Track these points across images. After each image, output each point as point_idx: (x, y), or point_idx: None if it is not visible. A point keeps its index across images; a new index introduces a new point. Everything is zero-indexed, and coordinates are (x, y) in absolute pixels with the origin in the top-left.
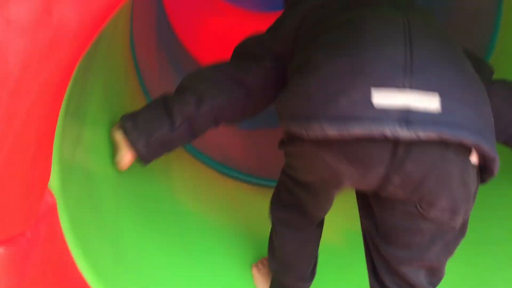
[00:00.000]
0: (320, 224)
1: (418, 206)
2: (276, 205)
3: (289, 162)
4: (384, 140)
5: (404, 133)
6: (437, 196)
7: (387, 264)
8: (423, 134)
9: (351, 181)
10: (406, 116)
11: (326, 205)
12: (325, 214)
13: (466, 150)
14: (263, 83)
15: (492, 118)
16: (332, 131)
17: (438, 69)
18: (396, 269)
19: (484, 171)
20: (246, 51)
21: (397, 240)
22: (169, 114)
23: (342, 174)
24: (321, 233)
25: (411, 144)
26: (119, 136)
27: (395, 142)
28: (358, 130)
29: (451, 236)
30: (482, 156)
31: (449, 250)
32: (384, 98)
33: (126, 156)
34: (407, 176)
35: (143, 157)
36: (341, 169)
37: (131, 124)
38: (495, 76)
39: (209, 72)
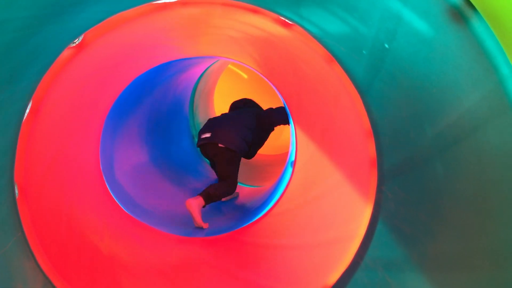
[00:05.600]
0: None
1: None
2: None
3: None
4: (208, 142)
5: (208, 141)
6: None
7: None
8: (209, 141)
9: (212, 155)
10: (208, 138)
11: (222, 171)
12: (225, 174)
13: (222, 146)
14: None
15: (242, 139)
16: (201, 142)
17: (220, 128)
18: None
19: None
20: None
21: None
22: None
23: (210, 152)
24: (226, 184)
25: (209, 143)
26: None
27: (209, 143)
28: (203, 141)
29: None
30: (232, 145)
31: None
32: (203, 135)
33: None
34: (212, 151)
35: None
36: (208, 149)
37: None
38: None
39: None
